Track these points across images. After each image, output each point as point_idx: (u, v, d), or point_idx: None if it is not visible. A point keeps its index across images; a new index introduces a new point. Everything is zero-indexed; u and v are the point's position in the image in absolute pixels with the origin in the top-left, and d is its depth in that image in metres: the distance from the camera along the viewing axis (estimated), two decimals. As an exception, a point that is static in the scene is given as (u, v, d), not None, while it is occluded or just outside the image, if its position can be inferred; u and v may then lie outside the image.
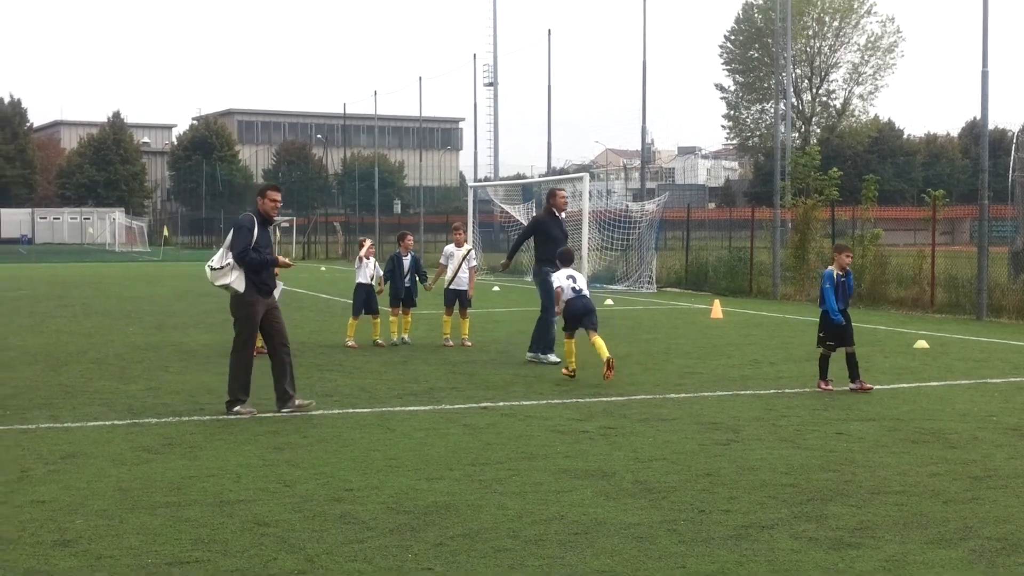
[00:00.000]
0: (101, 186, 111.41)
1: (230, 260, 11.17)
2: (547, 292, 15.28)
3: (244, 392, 11.25)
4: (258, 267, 11.17)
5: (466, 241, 18.34)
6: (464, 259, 17.64)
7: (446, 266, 17.85)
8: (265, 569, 6.20)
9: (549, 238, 15.63)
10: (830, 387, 12.89)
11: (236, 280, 11.18)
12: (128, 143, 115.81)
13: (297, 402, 11.30)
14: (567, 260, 14.53)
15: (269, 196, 11.52)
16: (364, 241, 18.50)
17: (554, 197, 16.12)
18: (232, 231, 11.37)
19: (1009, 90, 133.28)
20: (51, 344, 17.51)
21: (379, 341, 17.22)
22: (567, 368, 13.89)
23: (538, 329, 15.53)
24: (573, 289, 14.05)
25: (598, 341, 13.65)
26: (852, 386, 12.81)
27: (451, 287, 17.58)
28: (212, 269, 11.37)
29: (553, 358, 15.20)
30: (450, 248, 18.02)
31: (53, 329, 20.06)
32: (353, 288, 17.74)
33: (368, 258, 17.64)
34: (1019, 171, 30.26)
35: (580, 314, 13.94)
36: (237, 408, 11.12)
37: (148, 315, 23.53)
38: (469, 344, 17.33)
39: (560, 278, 14.16)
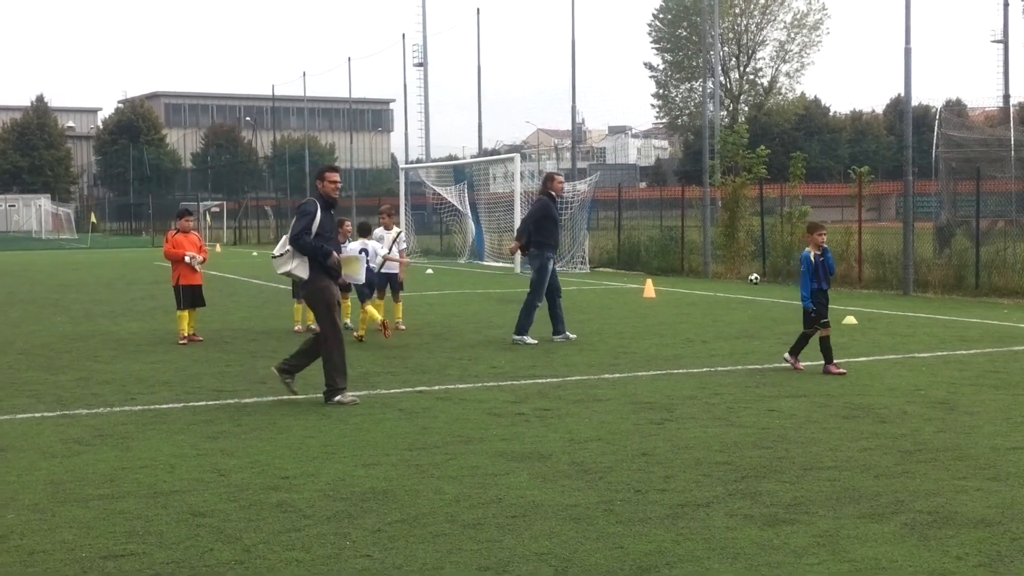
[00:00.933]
0: (25, 172, 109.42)
1: (289, 247, 10.90)
2: (542, 277, 15.61)
3: (343, 379, 10.90)
4: (311, 254, 10.80)
5: (396, 224, 18.27)
6: (394, 242, 17.58)
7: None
8: (202, 560, 6.15)
9: (552, 221, 15.99)
10: (801, 366, 12.76)
11: (297, 267, 10.87)
12: (52, 127, 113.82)
13: (338, 399, 10.86)
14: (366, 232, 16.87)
15: (328, 178, 11.13)
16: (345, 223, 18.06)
17: (552, 181, 16.32)
18: (295, 217, 11.10)
19: (932, 67, 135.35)
20: (-24, 335, 17.18)
21: (301, 328, 17.00)
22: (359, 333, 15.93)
23: (523, 312, 15.66)
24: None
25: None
26: (828, 369, 12.55)
27: (382, 271, 17.48)
28: (274, 257, 11.13)
29: (530, 340, 15.38)
30: (379, 231, 17.91)
31: (-22, 319, 19.69)
32: None
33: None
34: (942, 147, 30.75)
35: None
36: (338, 398, 10.79)
37: (76, 304, 23.18)
38: (403, 327, 17.28)
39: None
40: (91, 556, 6.22)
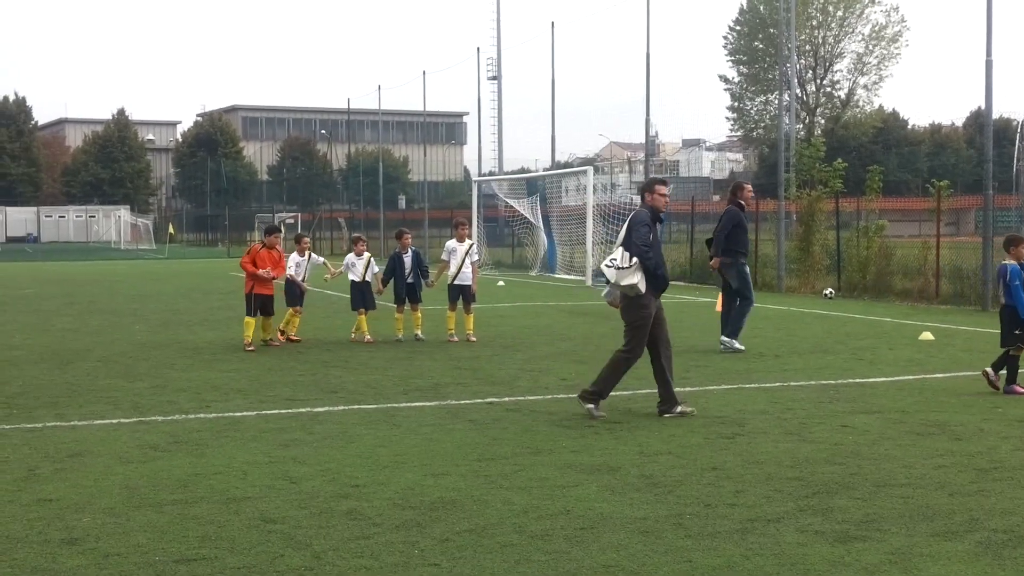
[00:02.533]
0: (106, 184, 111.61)
1: (635, 259, 10.66)
2: (744, 281, 16.44)
3: (607, 393, 10.79)
4: (651, 269, 10.74)
5: (468, 236, 18.39)
6: (467, 254, 17.67)
7: (448, 262, 17.87)
8: (272, 566, 6.21)
9: (742, 229, 16.65)
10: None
11: (641, 280, 10.70)
12: (133, 140, 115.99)
13: (679, 409, 10.73)
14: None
15: (657, 191, 11.07)
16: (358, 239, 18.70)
17: (742, 191, 17.03)
18: (627, 228, 10.86)
19: (1013, 79, 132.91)
20: (57, 342, 17.55)
21: (364, 337, 17.30)
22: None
23: (736, 315, 16.30)
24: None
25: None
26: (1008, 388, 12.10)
27: (455, 283, 17.61)
28: (618, 268, 10.73)
29: (739, 345, 16.00)
30: (452, 243, 18.02)
31: (59, 327, 20.10)
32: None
33: (360, 256, 17.82)
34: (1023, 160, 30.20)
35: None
36: (590, 406, 10.62)
37: (153, 313, 23.57)
38: (474, 339, 17.34)
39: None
40: (164, 560, 6.32)
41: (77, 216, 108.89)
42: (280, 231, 17.73)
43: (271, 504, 7.49)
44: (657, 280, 10.84)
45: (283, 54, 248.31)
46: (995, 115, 25.00)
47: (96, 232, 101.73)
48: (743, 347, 16.02)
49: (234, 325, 20.17)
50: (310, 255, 18.24)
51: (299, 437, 9.80)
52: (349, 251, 18.57)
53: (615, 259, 10.80)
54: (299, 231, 20.59)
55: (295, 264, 17.74)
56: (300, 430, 10.13)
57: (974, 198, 43.55)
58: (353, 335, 17.52)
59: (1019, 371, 12.28)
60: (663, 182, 11.38)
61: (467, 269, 17.63)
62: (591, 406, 10.62)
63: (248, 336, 16.36)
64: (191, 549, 6.52)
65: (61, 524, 7.04)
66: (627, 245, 10.74)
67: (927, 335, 17.42)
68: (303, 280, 17.73)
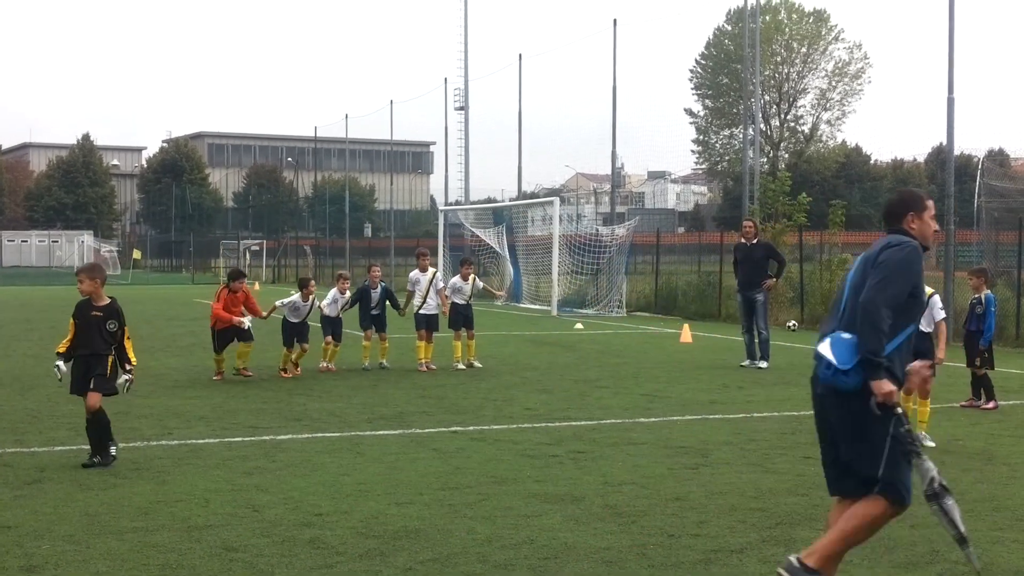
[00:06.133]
0: (70, 208, 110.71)
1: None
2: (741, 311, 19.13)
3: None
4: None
5: (432, 265, 18.47)
6: (431, 283, 17.81)
7: (413, 292, 18.00)
8: (233, 595, 6.17)
9: (737, 264, 19.26)
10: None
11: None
12: (97, 165, 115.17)
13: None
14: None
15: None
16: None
17: (741, 228, 19.68)
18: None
19: (974, 116, 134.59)
20: (17, 368, 17.36)
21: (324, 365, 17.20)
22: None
23: (767, 342, 18.57)
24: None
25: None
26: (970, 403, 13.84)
27: (421, 312, 17.73)
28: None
29: (763, 364, 18.17)
30: (415, 274, 18.14)
31: (20, 353, 19.89)
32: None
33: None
34: (985, 196, 30.59)
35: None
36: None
37: (116, 338, 23.33)
38: (434, 367, 17.39)
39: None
40: (124, 588, 6.26)
41: (40, 241, 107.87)
42: (245, 276, 17.25)
43: (233, 532, 7.44)
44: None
45: (250, 81, 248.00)
46: (956, 151, 25.32)
47: (59, 257, 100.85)
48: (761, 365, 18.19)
49: (198, 352, 20.05)
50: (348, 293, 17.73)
51: (262, 465, 9.74)
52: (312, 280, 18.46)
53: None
54: (305, 276, 20.03)
55: (332, 300, 17.44)
56: (263, 458, 10.07)
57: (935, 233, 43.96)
58: (323, 364, 17.28)
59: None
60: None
61: (432, 299, 17.77)
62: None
63: (217, 367, 16.20)
64: (152, 577, 6.46)
65: (20, 551, 6.96)
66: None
67: (889, 368, 17.52)
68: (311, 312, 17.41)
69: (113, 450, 9.72)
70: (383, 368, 17.36)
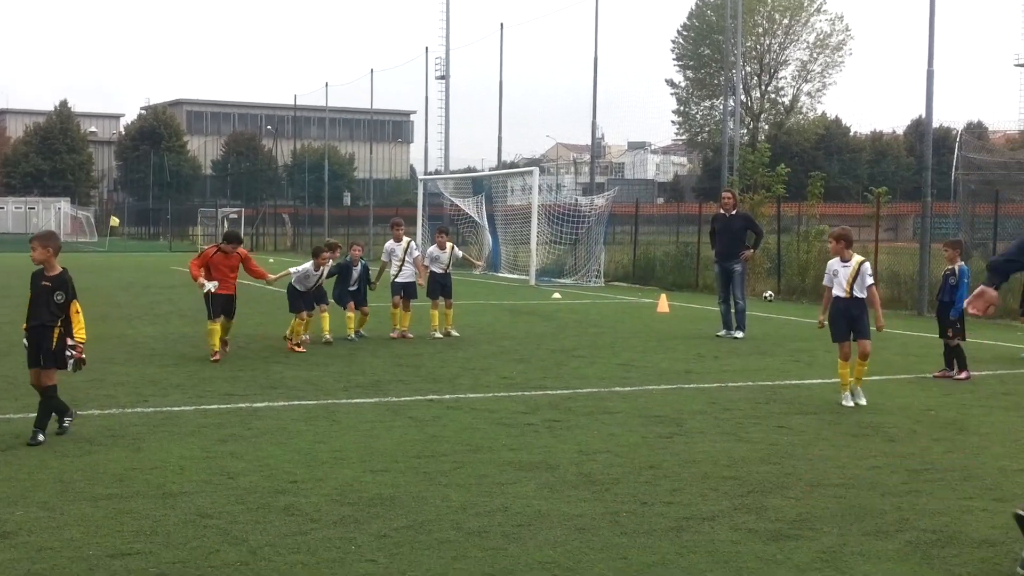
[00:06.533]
0: (47, 175, 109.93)
1: None
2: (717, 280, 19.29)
3: None
4: None
5: (405, 235, 18.41)
6: (406, 252, 17.85)
7: (388, 262, 18.01)
8: (207, 561, 6.19)
9: (714, 233, 19.32)
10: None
11: None
12: (75, 132, 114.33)
13: None
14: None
15: None
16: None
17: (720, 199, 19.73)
18: None
19: (954, 89, 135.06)
20: (-7, 335, 17.28)
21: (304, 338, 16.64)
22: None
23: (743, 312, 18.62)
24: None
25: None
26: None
27: (397, 280, 17.78)
28: None
29: (739, 334, 18.25)
30: (390, 244, 18.17)
31: (-5, 320, 19.80)
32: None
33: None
34: (962, 169, 30.72)
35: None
36: None
37: (92, 306, 23.14)
38: (456, 334, 17.74)
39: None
40: (98, 554, 6.27)
41: (16, 208, 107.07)
42: (241, 242, 15.71)
43: (208, 499, 7.45)
44: None
45: (229, 49, 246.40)
46: (935, 124, 25.40)
47: (35, 224, 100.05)
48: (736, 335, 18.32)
49: (175, 320, 20.02)
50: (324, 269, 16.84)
51: (237, 432, 9.75)
52: (294, 248, 18.38)
53: None
54: (332, 242, 18.64)
55: (305, 275, 16.47)
56: (238, 425, 10.08)
57: (913, 205, 44.15)
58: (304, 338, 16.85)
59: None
60: None
61: (408, 267, 17.81)
62: None
63: (215, 344, 14.72)
64: (125, 543, 6.47)
65: (-7, 517, 6.96)
66: None
67: (864, 339, 17.62)
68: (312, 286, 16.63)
69: (67, 422, 9.60)
70: (361, 337, 17.35)
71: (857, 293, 11.72)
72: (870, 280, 11.84)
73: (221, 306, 14.90)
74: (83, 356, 9.55)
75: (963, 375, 13.66)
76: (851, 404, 11.54)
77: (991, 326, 20.89)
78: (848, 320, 11.71)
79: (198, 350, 15.61)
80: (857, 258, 11.83)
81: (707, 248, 31.92)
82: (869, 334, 11.88)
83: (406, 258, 17.88)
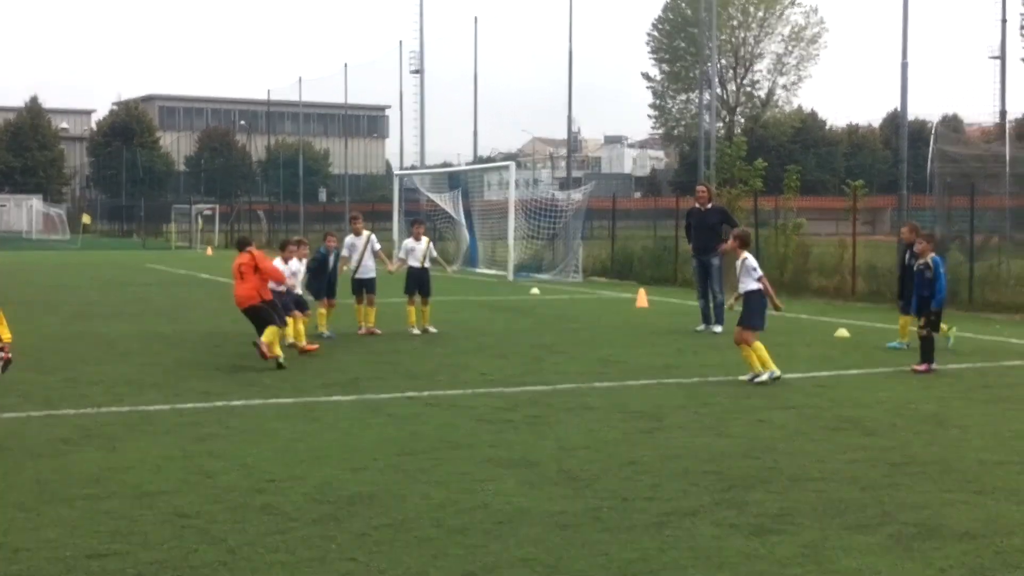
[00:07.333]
0: (18, 172, 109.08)
1: None
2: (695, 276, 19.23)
3: None
4: None
5: (363, 229, 18.12)
6: (367, 245, 17.64)
7: (349, 257, 17.71)
8: (186, 561, 6.12)
9: (690, 228, 19.38)
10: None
11: None
12: (46, 128, 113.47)
13: None
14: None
15: None
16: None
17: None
18: None
19: (929, 82, 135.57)
20: (-34, 334, 17.11)
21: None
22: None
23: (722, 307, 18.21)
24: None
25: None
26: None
27: (357, 276, 17.58)
28: None
29: (718, 328, 18.06)
30: (350, 239, 17.88)
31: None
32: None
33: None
34: (938, 162, 30.82)
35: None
36: None
37: (66, 304, 23.12)
38: (433, 330, 17.55)
39: None
40: (75, 555, 6.20)
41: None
42: (249, 244, 14.94)
43: (185, 499, 7.38)
44: None
45: (202, 43, 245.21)
46: (911, 117, 25.51)
47: (7, 222, 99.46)
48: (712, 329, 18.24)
49: (149, 318, 19.88)
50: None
51: (214, 431, 9.67)
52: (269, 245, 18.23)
53: None
54: (289, 237, 18.28)
55: (292, 273, 16.04)
56: (216, 424, 10.00)
57: (890, 198, 44.36)
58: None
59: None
60: None
61: (368, 261, 17.59)
62: None
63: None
64: (102, 544, 6.40)
65: (-33, 519, 6.87)
66: None
67: (843, 332, 17.68)
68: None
69: None
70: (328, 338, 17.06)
71: (754, 287, 13.07)
72: (759, 272, 13.16)
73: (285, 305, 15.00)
74: (9, 356, 9.43)
75: (923, 367, 13.58)
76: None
77: (972, 319, 20.97)
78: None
79: (174, 348, 15.51)
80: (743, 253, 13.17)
81: (685, 242, 32.07)
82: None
83: (367, 251, 17.65)
